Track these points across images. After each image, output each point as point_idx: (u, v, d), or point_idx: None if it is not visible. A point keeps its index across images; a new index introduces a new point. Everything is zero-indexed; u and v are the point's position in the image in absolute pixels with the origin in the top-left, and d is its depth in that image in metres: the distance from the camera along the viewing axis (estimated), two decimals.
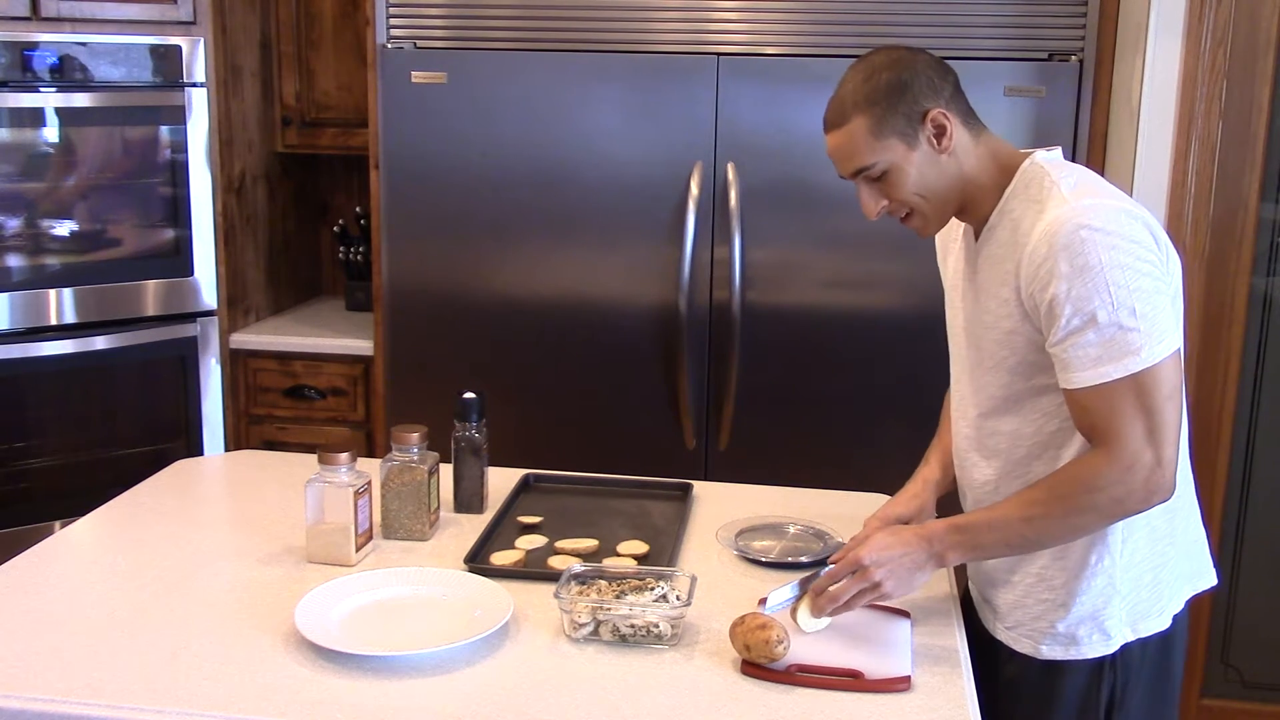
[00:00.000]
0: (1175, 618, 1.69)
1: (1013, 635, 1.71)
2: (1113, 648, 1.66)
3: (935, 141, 1.59)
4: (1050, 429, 1.62)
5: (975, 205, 1.65)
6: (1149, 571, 1.66)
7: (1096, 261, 1.47)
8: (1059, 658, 1.67)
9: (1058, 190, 1.55)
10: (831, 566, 1.65)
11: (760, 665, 1.53)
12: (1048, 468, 1.63)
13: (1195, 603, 1.75)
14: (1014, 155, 1.65)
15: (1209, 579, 1.77)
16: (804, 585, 1.66)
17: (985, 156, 1.63)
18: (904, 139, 1.59)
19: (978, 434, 1.73)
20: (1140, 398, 1.48)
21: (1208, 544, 1.78)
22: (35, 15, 2.92)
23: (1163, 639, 1.69)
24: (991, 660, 1.72)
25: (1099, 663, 1.67)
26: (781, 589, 1.66)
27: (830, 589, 1.60)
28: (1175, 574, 1.69)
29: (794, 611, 1.63)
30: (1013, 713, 1.71)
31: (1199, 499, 1.76)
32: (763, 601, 1.66)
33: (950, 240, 1.79)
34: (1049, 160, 1.62)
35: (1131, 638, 1.66)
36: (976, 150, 1.63)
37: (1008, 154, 1.65)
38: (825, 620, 1.62)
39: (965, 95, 1.64)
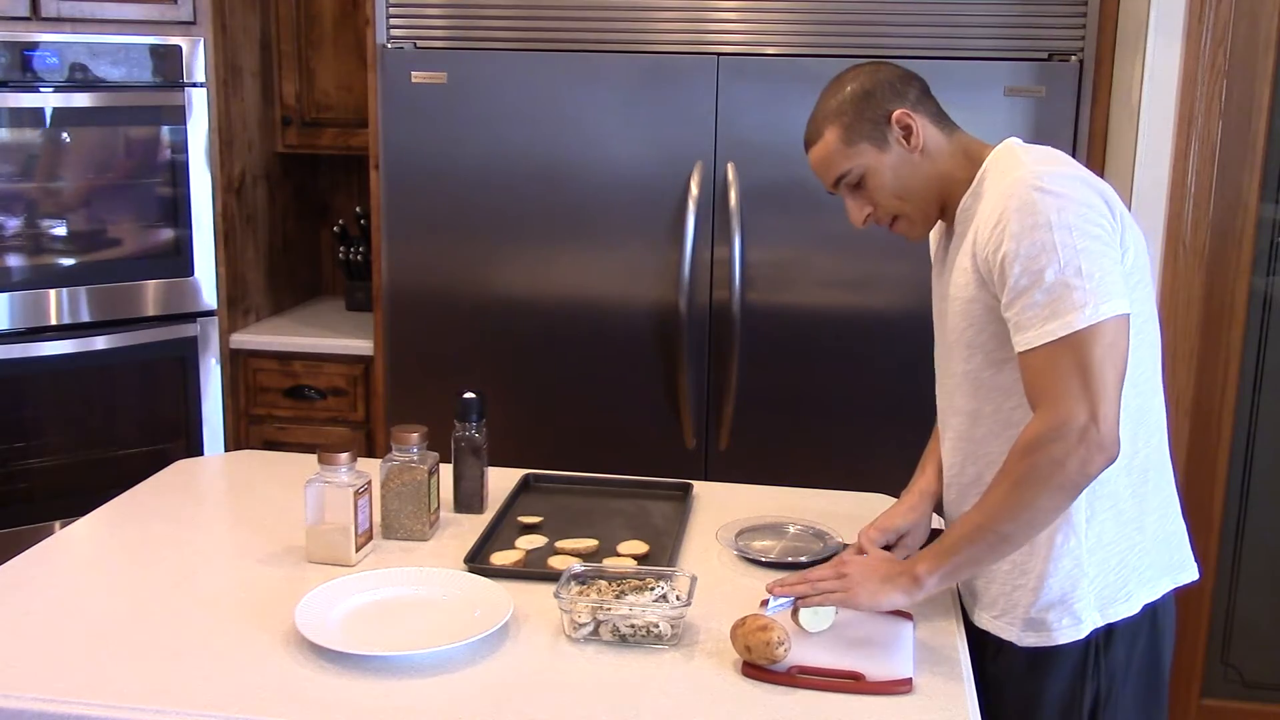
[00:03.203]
0: (1152, 607, 1.69)
1: (998, 624, 1.71)
2: (1083, 633, 1.65)
3: (904, 141, 1.65)
4: (1009, 406, 1.63)
5: (953, 202, 1.69)
6: (1116, 555, 1.66)
7: (1045, 221, 1.50)
8: (1033, 644, 1.68)
9: (1017, 160, 1.60)
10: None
11: (761, 667, 1.53)
12: (1006, 447, 1.61)
13: (1196, 602, 1.74)
14: (986, 149, 1.69)
15: (1190, 572, 1.76)
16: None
17: (959, 154, 1.68)
18: (874, 142, 1.66)
19: (942, 415, 1.75)
20: (1077, 355, 1.49)
21: (1188, 537, 1.77)
22: (35, 15, 2.92)
23: (1148, 639, 1.69)
24: (978, 658, 1.72)
25: (1081, 661, 1.66)
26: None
27: (809, 574, 1.64)
28: (1146, 562, 1.69)
29: (796, 612, 1.63)
30: (999, 711, 1.71)
31: (1179, 493, 1.76)
32: (765, 603, 1.66)
33: (936, 233, 1.82)
34: (1017, 143, 1.66)
35: (1100, 622, 1.66)
36: (950, 148, 1.68)
37: (981, 150, 1.69)
38: (828, 621, 1.62)
39: (934, 99, 1.71)
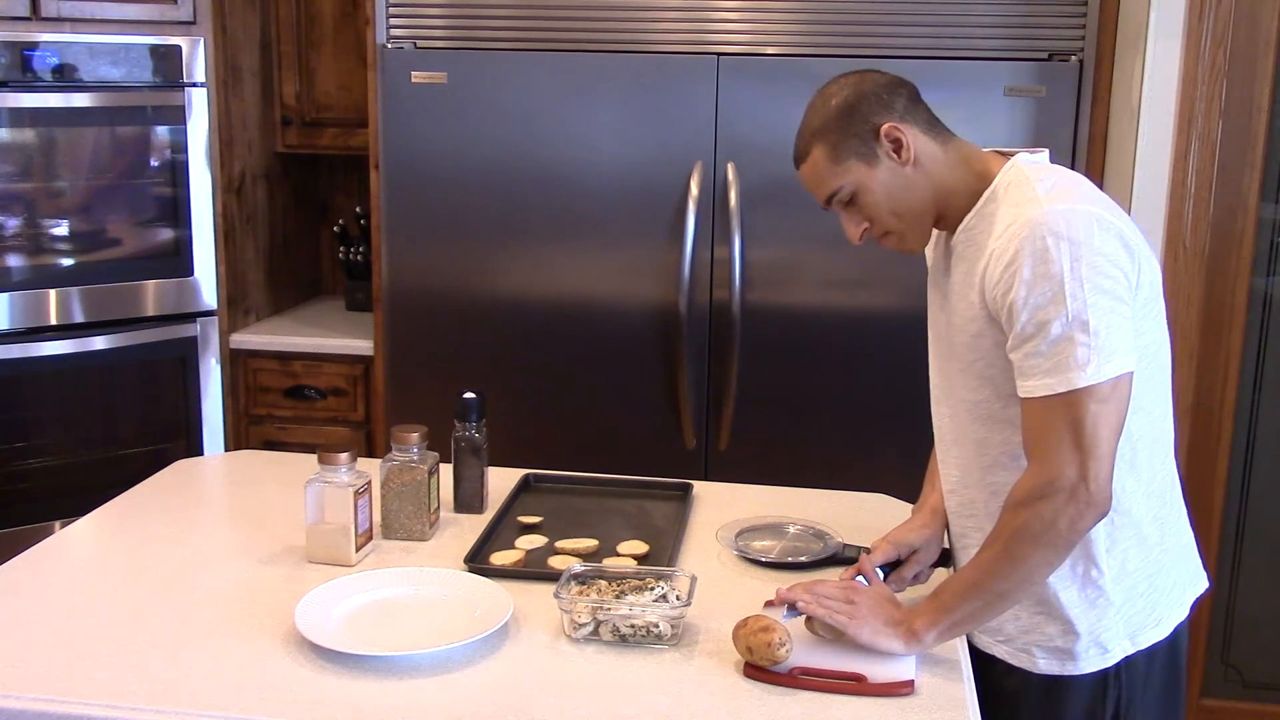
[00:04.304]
0: (1176, 626, 1.68)
1: (1008, 650, 1.69)
2: (1110, 661, 1.64)
3: (895, 155, 1.58)
4: (1018, 440, 1.58)
5: (952, 213, 1.63)
6: (1144, 581, 1.64)
7: (1058, 270, 1.46)
8: (1055, 673, 1.65)
9: (1032, 192, 1.53)
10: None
11: (762, 668, 1.53)
12: (1013, 478, 1.58)
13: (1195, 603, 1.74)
14: (989, 159, 1.63)
15: (1202, 582, 1.75)
16: None
17: (957, 164, 1.62)
18: (862, 158, 1.59)
19: (943, 434, 1.74)
20: (1073, 412, 1.46)
21: (1196, 546, 1.76)
22: (35, 15, 2.91)
23: (1169, 650, 1.67)
24: (988, 674, 1.69)
25: (1102, 677, 1.64)
26: None
27: (819, 587, 1.61)
28: (1171, 581, 1.68)
29: (810, 619, 1.62)
30: None
31: (1186, 501, 1.74)
32: (769, 604, 1.66)
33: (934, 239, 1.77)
34: (1030, 163, 1.60)
35: (1131, 650, 1.64)
36: (946, 158, 1.61)
37: (982, 159, 1.63)
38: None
39: (926, 105, 1.64)
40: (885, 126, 1.58)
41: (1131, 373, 1.49)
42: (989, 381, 1.60)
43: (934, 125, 1.63)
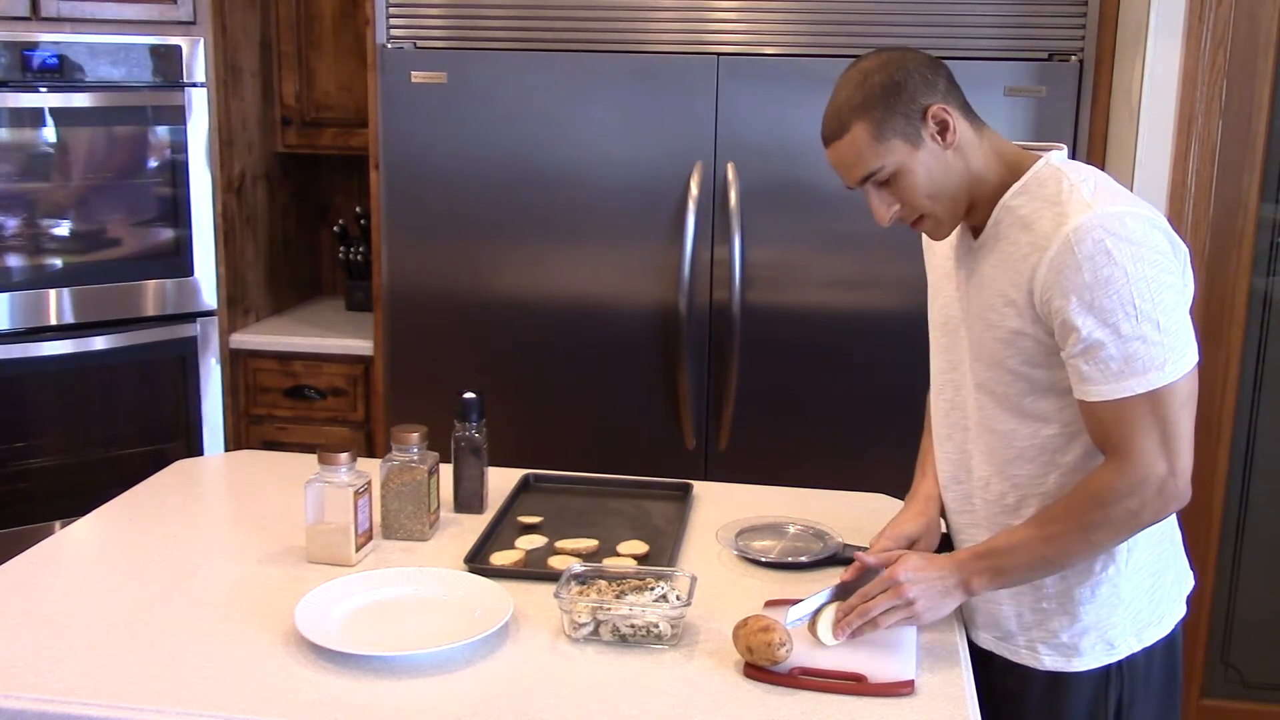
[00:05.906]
0: (1177, 623, 1.69)
1: (1009, 647, 1.69)
2: (1115, 657, 1.64)
3: (939, 137, 1.55)
4: (1047, 433, 1.59)
5: (981, 202, 1.61)
6: (1149, 578, 1.65)
7: (1122, 273, 1.45)
8: (1061, 669, 1.65)
9: (1078, 194, 1.52)
10: (848, 576, 1.65)
11: (763, 668, 1.53)
12: (1040, 471, 1.60)
13: (1196, 602, 1.75)
14: (1019, 153, 1.62)
15: (1191, 579, 1.76)
16: (832, 596, 1.65)
17: (990, 153, 1.60)
18: (907, 139, 1.55)
19: (953, 428, 1.72)
20: (1156, 410, 1.47)
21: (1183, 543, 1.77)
22: (35, 15, 2.92)
23: (1167, 648, 1.68)
24: (985, 671, 1.68)
25: (1104, 673, 1.65)
26: (808, 600, 1.64)
27: (862, 605, 1.58)
28: (1172, 577, 1.69)
29: (813, 624, 1.62)
30: None
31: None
32: (770, 604, 1.66)
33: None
34: (1064, 162, 1.59)
35: (1137, 647, 1.65)
36: (981, 146, 1.59)
37: (1012, 151, 1.62)
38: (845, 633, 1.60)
39: (960, 89, 1.61)
40: (934, 108, 1.55)
41: (1198, 362, 1.50)
42: (1023, 378, 1.59)
43: (968, 110, 1.61)
